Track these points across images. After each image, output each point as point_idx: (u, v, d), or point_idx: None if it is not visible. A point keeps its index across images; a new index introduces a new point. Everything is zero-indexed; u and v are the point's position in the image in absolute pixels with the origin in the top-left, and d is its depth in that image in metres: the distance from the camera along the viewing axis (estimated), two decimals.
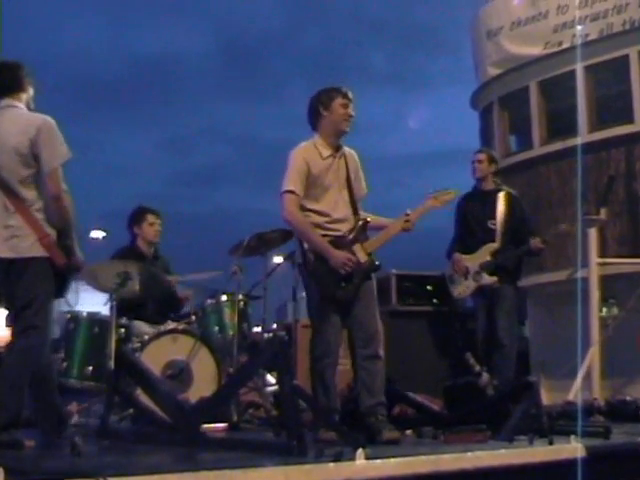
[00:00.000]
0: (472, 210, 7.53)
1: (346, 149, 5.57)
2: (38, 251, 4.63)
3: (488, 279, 7.30)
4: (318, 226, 5.36)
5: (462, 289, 7.55)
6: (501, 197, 7.44)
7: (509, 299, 7.35)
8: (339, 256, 5.26)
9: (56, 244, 4.67)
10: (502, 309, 7.27)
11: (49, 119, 4.71)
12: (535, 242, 7.23)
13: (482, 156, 7.60)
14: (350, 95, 5.48)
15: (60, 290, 4.81)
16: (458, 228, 7.63)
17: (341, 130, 5.48)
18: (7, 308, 4.81)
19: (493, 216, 7.39)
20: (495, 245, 7.32)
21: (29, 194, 4.67)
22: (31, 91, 4.90)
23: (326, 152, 5.45)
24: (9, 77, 4.82)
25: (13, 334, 4.67)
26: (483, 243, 7.36)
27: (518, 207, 7.53)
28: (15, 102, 4.80)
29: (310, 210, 5.38)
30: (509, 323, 7.31)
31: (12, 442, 4.42)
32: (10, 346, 4.66)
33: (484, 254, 7.33)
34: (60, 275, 4.73)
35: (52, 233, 4.69)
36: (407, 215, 5.49)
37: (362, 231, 5.47)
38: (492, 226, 7.38)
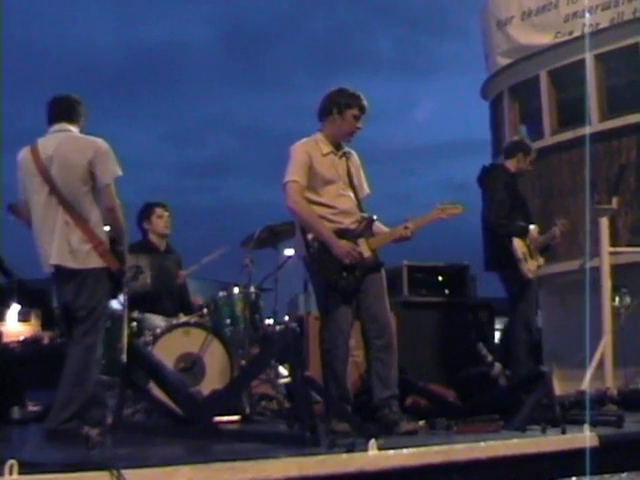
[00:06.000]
0: (519, 191, 7.21)
1: (347, 149, 5.55)
2: (95, 262, 5.10)
3: (541, 261, 7.03)
4: (322, 218, 5.32)
5: (533, 267, 6.91)
6: None
7: None
8: (343, 245, 5.23)
9: (109, 251, 5.14)
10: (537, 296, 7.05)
11: (104, 142, 5.20)
12: (560, 225, 7.06)
13: None
14: (366, 107, 5.45)
15: (114, 292, 5.30)
16: (508, 202, 6.95)
17: (343, 139, 5.50)
18: (62, 313, 5.30)
19: None
20: (537, 228, 7.07)
21: (86, 208, 5.12)
22: (83, 120, 5.38)
23: (326, 149, 5.43)
24: (62, 106, 5.31)
25: (75, 335, 5.13)
26: (530, 224, 7.02)
27: None
28: (69, 126, 5.27)
29: (314, 202, 5.35)
30: None
31: (76, 433, 4.71)
32: (70, 345, 5.16)
33: (533, 235, 7.00)
34: (113, 278, 5.19)
35: (106, 242, 5.15)
36: (406, 224, 5.44)
37: (367, 227, 5.43)
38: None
